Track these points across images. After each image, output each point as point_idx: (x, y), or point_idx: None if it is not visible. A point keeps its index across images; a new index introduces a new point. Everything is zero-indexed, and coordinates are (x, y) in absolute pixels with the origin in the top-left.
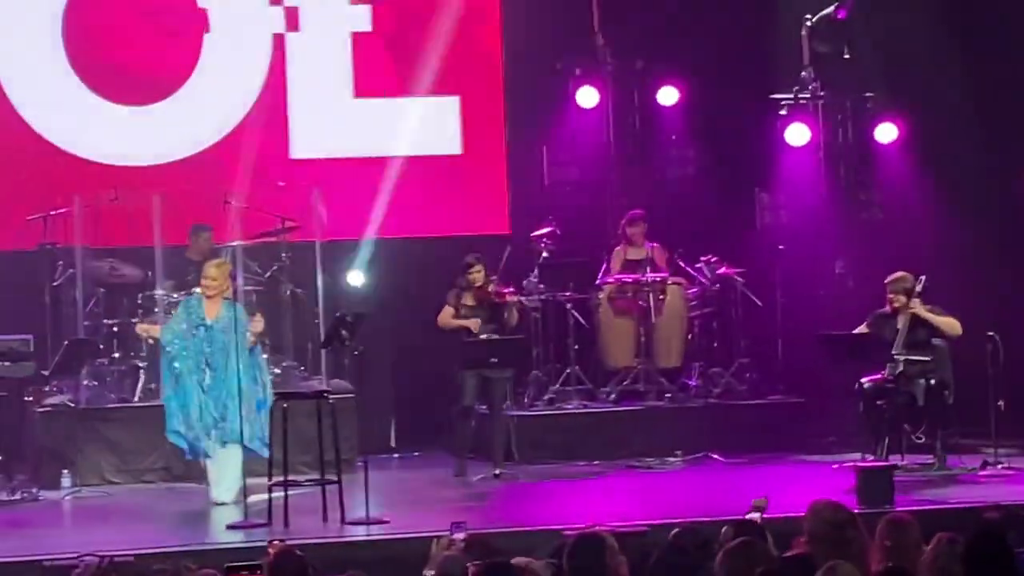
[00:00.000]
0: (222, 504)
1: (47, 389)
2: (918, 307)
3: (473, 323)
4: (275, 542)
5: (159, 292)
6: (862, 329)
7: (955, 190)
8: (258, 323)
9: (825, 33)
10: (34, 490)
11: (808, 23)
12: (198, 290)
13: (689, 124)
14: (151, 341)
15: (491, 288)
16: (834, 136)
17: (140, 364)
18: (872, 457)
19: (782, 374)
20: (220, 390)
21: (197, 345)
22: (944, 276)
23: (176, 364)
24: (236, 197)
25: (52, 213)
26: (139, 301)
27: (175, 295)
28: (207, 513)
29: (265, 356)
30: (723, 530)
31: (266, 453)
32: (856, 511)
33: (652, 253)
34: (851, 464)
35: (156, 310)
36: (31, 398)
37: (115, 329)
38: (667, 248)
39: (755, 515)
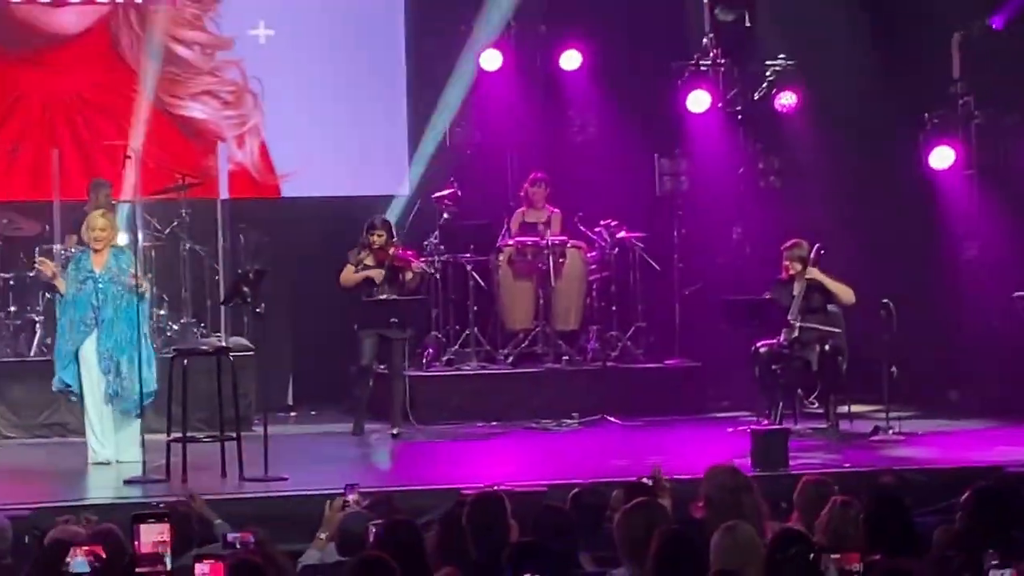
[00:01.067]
0: (106, 463)
1: None
2: (815, 272)
3: (376, 273)
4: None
5: (57, 246)
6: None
7: (853, 159)
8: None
9: (728, 1)
10: None
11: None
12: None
13: (591, 89)
14: (44, 270)
15: (392, 251)
16: (734, 103)
17: (36, 318)
18: (767, 421)
19: (679, 338)
20: (110, 342)
21: (85, 299)
22: (840, 245)
23: (63, 319)
24: (137, 152)
25: None
26: (36, 255)
27: (74, 249)
28: (104, 469)
29: (162, 312)
30: (614, 493)
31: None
32: (751, 474)
33: (551, 217)
34: (746, 428)
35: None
36: None
37: (11, 283)
38: (566, 215)
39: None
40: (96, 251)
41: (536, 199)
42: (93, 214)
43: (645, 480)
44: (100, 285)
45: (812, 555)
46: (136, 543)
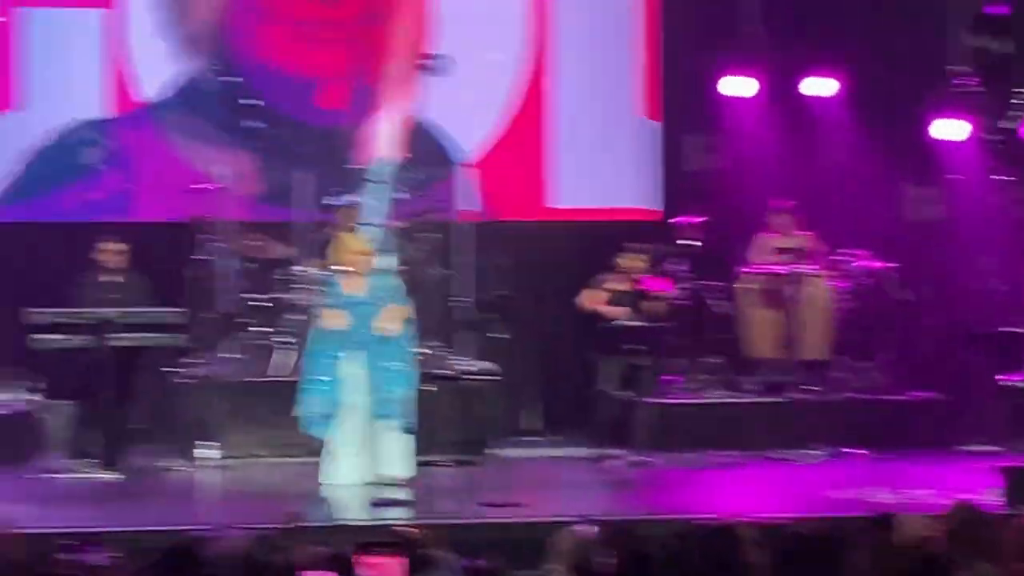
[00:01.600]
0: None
1: (193, 361)
2: None
3: (621, 311)
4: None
5: (303, 268)
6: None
7: None
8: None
9: (987, 28)
10: (179, 461)
11: (970, 17)
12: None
13: (843, 115)
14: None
15: (641, 277)
16: (989, 131)
17: (284, 340)
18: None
19: (928, 370)
20: (373, 367)
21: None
22: None
23: (318, 345)
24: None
25: (203, 186)
26: (285, 277)
27: (321, 272)
28: (348, 489)
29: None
30: (860, 524)
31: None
32: (1003, 512)
33: (801, 242)
34: (998, 464)
35: (300, 286)
36: (178, 369)
37: (261, 304)
38: (817, 239)
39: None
40: (354, 273)
41: (783, 226)
42: (347, 236)
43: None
44: (360, 308)
45: None
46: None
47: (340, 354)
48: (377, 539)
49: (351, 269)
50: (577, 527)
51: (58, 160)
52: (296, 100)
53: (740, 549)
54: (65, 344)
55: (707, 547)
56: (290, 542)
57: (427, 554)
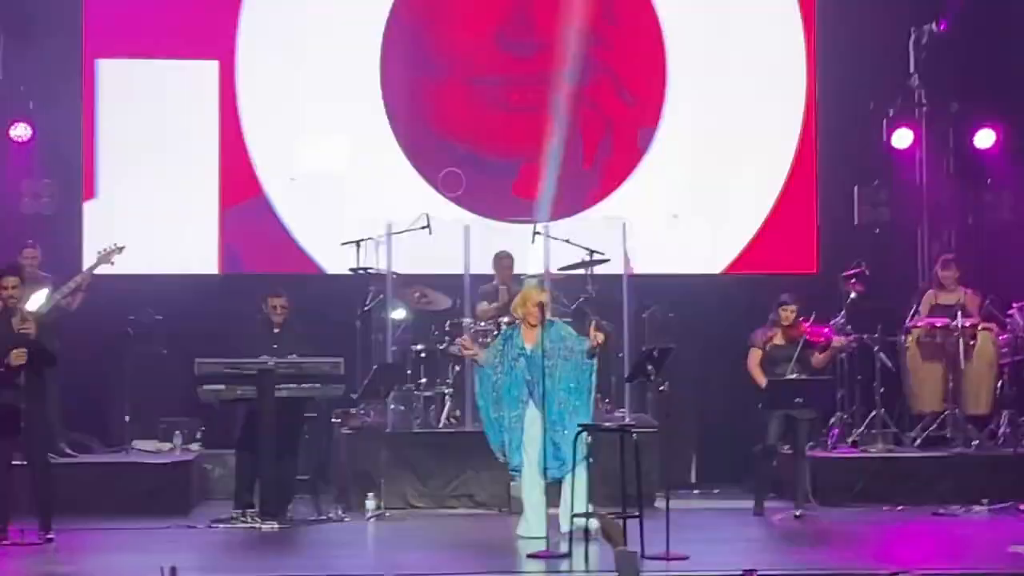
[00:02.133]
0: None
1: (355, 412)
2: None
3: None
4: None
5: (467, 320)
6: None
7: None
8: (598, 334)
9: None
10: (340, 511)
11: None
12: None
13: (1005, 168)
14: (466, 353)
15: (802, 328)
16: None
17: (446, 391)
18: None
19: None
20: (552, 415)
21: (518, 375)
22: None
23: (495, 381)
24: (546, 228)
25: (365, 239)
26: (447, 328)
27: (480, 323)
28: (508, 540)
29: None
30: None
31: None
32: None
33: (964, 299)
34: None
35: (464, 336)
36: (339, 420)
37: (423, 355)
38: (979, 294)
39: None
40: (531, 326)
41: (947, 281)
42: (531, 286)
43: None
44: (533, 360)
45: None
46: None
47: (515, 405)
48: None
49: (531, 321)
50: None
51: None
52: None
53: None
54: (229, 396)
55: None
56: None
57: None
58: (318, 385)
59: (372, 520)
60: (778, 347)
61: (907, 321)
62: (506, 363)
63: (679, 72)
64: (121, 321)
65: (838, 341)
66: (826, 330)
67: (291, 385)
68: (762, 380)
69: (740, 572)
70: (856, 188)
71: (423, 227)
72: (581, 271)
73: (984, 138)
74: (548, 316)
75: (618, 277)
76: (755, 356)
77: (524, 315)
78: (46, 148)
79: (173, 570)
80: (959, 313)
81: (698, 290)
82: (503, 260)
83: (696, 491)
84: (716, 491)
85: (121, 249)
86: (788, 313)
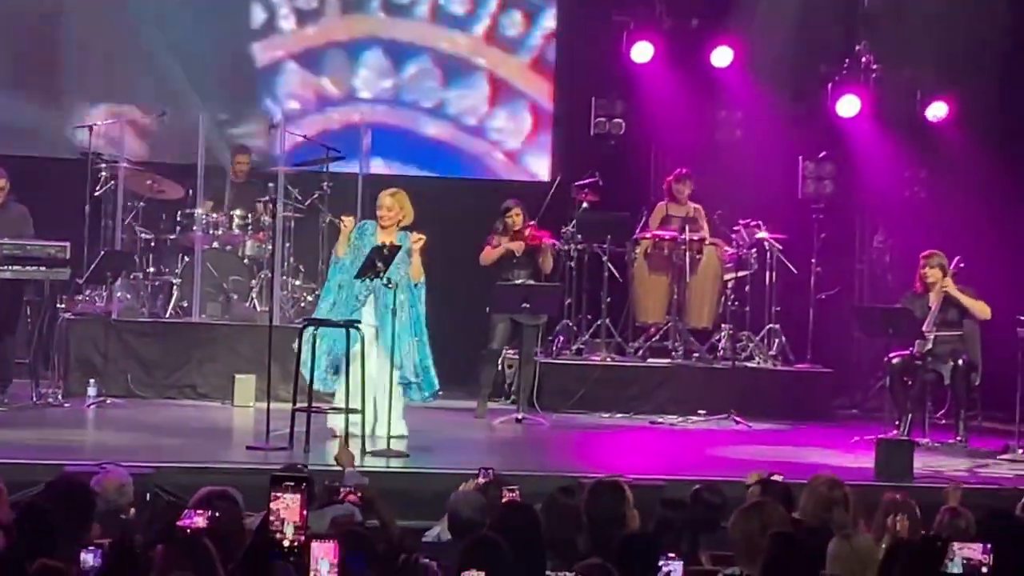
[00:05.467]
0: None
1: (80, 297)
2: (950, 286)
3: (516, 245)
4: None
5: (198, 211)
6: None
7: (1003, 174)
8: (417, 241)
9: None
10: (59, 396)
11: None
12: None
13: (740, 87)
14: (343, 231)
15: (528, 231)
16: (884, 110)
17: (174, 280)
18: (895, 432)
19: (812, 343)
20: (396, 325)
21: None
22: (980, 262)
23: (331, 283)
24: (282, 122)
25: (99, 123)
26: (178, 218)
27: (213, 215)
28: (228, 432)
29: (298, 283)
30: (749, 488)
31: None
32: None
33: (694, 212)
34: (872, 437)
35: (195, 228)
36: (63, 305)
37: (152, 243)
38: (708, 210)
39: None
40: (383, 228)
41: (680, 195)
42: (382, 193)
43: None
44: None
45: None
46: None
47: (353, 303)
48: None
49: (382, 223)
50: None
51: None
52: None
53: (623, 505)
54: None
55: (590, 501)
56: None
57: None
58: (43, 268)
59: (92, 406)
60: (511, 255)
61: (636, 233)
62: (353, 254)
63: None
64: None
65: (549, 240)
66: (546, 232)
67: (15, 267)
68: (509, 246)
69: (466, 467)
70: (593, 99)
71: (160, 115)
72: (317, 167)
73: (721, 56)
74: (405, 224)
75: (355, 175)
76: (489, 251)
77: (378, 218)
78: None
79: None
80: (687, 227)
81: (433, 192)
82: (239, 155)
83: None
84: (440, 392)
85: None
86: (513, 218)
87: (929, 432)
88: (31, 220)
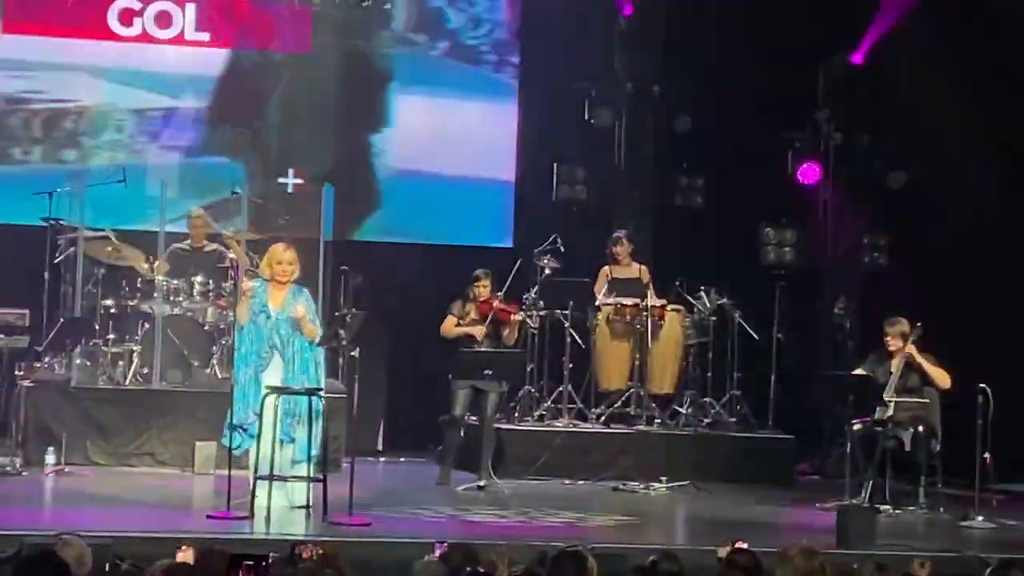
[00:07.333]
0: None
1: (39, 365)
2: (913, 350)
3: (478, 330)
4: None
5: (159, 277)
6: (860, 371)
7: (960, 240)
8: (299, 308)
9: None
10: (17, 464)
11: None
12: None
13: (701, 153)
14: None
15: (496, 304)
16: (844, 177)
17: (134, 348)
18: (857, 499)
19: (773, 409)
20: (293, 383)
21: (262, 332)
22: (940, 326)
23: (241, 350)
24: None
25: (58, 190)
26: (139, 285)
27: (174, 281)
28: (189, 500)
29: None
30: (720, 557)
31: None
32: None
33: (639, 273)
34: (833, 505)
35: (155, 295)
36: (22, 372)
37: (112, 311)
38: (668, 279)
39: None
40: (280, 283)
41: (620, 256)
42: (277, 246)
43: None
44: (279, 323)
45: None
46: None
47: (253, 359)
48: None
49: (279, 279)
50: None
51: None
52: None
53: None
54: None
55: (552, 572)
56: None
57: None
58: (1, 336)
59: (51, 475)
60: (471, 320)
61: (597, 299)
62: (248, 314)
63: None
64: None
65: (518, 315)
66: (512, 305)
67: None
68: (470, 330)
69: (426, 538)
70: (555, 165)
71: (119, 181)
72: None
73: (681, 123)
74: (295, 275)
75: (316, 241)
76: (451, 322)
77: (271, 275)
78: None
79: None
80: (649, 292)
81: (396, 258)
82: (195, 214)
83: (382, 459)
84: (402, 460)
85: None
86: (481, 288)
87: (890, 498)
88: None
